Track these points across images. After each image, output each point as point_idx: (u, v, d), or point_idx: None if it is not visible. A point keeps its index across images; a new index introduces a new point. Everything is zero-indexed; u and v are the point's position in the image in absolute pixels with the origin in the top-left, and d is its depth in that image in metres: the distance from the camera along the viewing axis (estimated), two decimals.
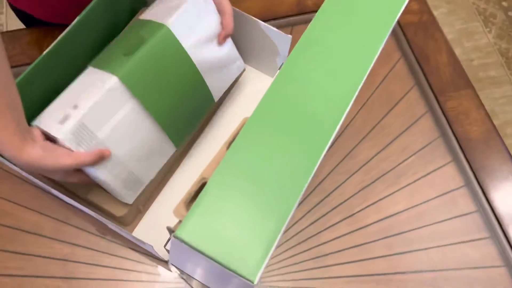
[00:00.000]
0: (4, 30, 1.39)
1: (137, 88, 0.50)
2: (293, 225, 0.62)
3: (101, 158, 0.47)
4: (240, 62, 0.63)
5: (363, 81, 0.42)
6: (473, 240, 0.63)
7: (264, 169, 0.37)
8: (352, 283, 0.59)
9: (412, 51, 0.75)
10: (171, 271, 0.58)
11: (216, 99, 0.61)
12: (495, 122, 1.32)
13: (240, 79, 0.69)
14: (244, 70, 0.65)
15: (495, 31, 1.45)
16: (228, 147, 0.38)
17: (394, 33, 0.76)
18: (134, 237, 0.48)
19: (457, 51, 1.39)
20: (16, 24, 0.76)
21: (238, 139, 0.38)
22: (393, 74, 0.73)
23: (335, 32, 0.44)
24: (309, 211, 0.63)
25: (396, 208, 0.64)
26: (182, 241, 0.34)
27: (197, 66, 0.55)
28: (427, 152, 0.68)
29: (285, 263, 0.60)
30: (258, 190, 0.36)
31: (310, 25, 0.44)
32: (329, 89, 0.41)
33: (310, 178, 0.37)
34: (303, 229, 0.62)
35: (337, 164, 0.66)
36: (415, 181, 0.66)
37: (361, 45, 0.44)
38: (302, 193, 0.36)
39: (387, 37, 0.45)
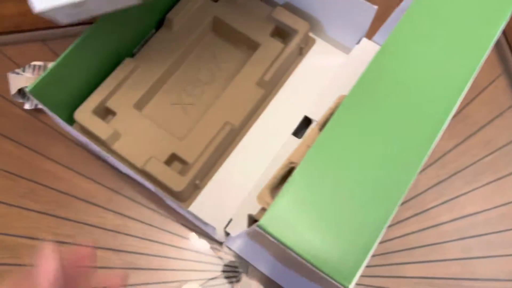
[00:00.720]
0: None
1: None
2: None
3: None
4: None
5: (481, 62, 0.36)
6: None
7: (362, 159, 0.32)
8: (419, 284, 0.54)
9: (504, 35, 0.67)
10: (222, 253, 0.55)
11: None
12: None
13: (307, 52, 0.63)
14: None
15: None
16: (320, 129, 0.32)
17: None
18: (195, 217, 0.44)
19: None
20: None
21: (333, 121, 0.32)
22: None
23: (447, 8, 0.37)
24: None
25: (474, 208, 0.58)
26: (268, 232, 0.29)
27: None
28: None
29: None
30: (356, 183, 0.31)
31: None
32: (441, 70, 0.35)
33: (416, 173, 0.32)
34: None
35: None
36: (497, 180, 0.59)
37: (479, 20, 0.37)
38: (407, 190, 0.31)
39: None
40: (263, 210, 0.36)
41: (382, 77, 0.34)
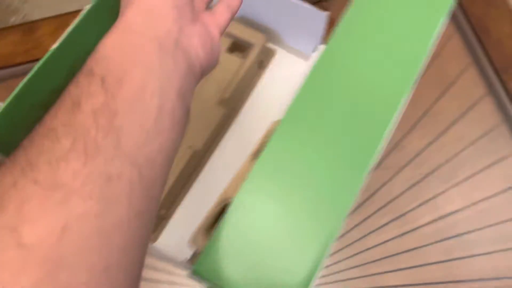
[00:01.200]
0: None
1: None
2: None
3: None
4: None
5: (422, 63, 0.34)
6: None
7: (302, 185, 0.30)
8: None
9: (469, 22, 0.65)
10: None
11: None
12: None
13: (268, 65, 0.61)
14: None
15: None
16: (255, 158, 0.31)
17: None
18: (161, 253, 0.43)
19: None
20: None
21: (268, 149, 0.31)
22: (446, 51, 0.64)
23: (385, 7, 0.36)
24: (353, 212, 0.56)
25: (453, 206, 0.56)
26: (202, 278, 0.28)
27: None
28: (488, 141, 0.59)
29: (326, 271, 0.53)
30: (295, 214, 0.30)
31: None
32: (384, 69, 0.34)
33: (357, 193, 0.30)
34: (346, 233, 0.55)
35: (383, 158, 0.59)
36: (474, 175, 0.57)
37: (417, 20, 0.36)
38: (346, 214, 0.30)
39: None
40: (199, 253, 0.35)
41: (317, 95, 0.33)
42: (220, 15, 0.28)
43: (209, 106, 0.56)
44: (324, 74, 0.34)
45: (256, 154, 0.34)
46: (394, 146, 0.59)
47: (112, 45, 0.21)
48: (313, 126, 0.32)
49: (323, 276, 0.53)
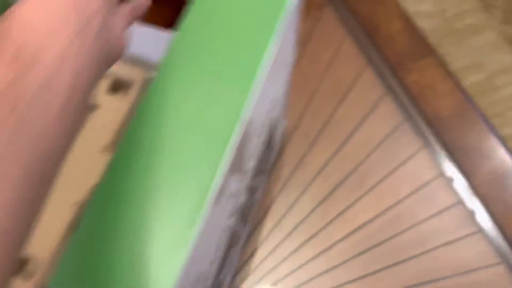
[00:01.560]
0: None
1: None
2: (246, 260, 0.52)
3: None
4: None
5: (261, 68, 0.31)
6: (463, 238, 0.53)
7: (158, 177, 0.27)
8: None
9: (359, 24, 0.64)
10: None
11: None
12: (482, 75, 1.20)
13: None
14: None
15: None
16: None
17: (333, 4, 0.65)
18: None
19: (428, 5, 1.26)
20: None
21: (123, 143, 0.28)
22: (340, 56, 0.62)
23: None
24: (265, 240, 0.53)
25: (365, 216, 0.54)
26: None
27: None
28: (392, 142, 0.57)
29: None
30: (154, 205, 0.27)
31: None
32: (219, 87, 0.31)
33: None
34: (259, 264, 0.52)
35: (288, 179, 0.56)
36: (383, 179, 0.56)
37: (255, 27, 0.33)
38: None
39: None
40: None
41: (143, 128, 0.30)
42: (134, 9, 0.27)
43: (92, 154, 0.53)
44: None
45: (107, 147, 0.31)
46: (297, 164, 0.57)
47: (35, 9, 0.18)
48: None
49: None
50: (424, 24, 1.24)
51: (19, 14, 0.18)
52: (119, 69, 0.55)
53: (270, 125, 0.45)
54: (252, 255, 0.53)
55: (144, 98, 0.31)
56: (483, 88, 1.17)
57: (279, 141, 0.57)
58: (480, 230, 0.53)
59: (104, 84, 0.56)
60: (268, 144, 0.48)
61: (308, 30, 0.63)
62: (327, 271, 0.52)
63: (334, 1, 0.65)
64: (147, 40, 0.55)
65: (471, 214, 0.53)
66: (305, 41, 0.63)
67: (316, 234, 0.53)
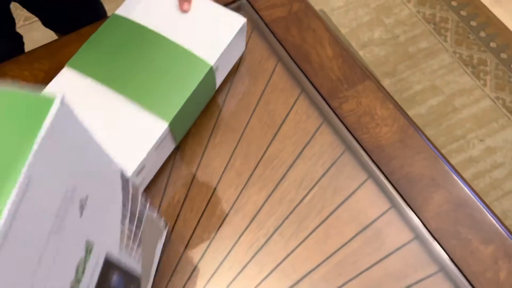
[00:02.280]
0: None
1: (175, 127, 0.48)
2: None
3: None
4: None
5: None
6: (423, 279, 0.46)
7: None
8: None
9: (288, 53, 0.59)
10: None
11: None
12: (440, 98, 1.17)
13: None
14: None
15: None
16: None
17: (262, 35, 0.61)
18: None
19: (379, 31, 1.25)
20: None
21: None
22: (272, 87, 0.57)
23: None
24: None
25: (306, 266, 0.47)
26: None
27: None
28: (333, 176, 0.52)
29: None
30: None
31: None
32: None
33: None
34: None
35: (219, 227, 0.49)
36: (324, 221, 0.49)
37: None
38: None
39: None
40: None
41: None
42: None
43: None
44: None
45: None
46: (230, 209, 0.50)
47: None
48: None
49: None
50: (378, 51, 1.22)
51: None
52: None
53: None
54: None
55: None
56: (443, 111, 1.14)
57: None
58: (441, 269, 0.46)
59: None
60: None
61: (236, 63, 0.59)
62: None
63: (263, 32, 0.61)
64: None
65: (427, 253, 0.47)
66: (232, 73, 0.58)
67: None
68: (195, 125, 0.54)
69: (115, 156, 0.43)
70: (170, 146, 0.51)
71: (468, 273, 0.46)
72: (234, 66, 0.59)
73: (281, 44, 0.60)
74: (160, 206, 0.51)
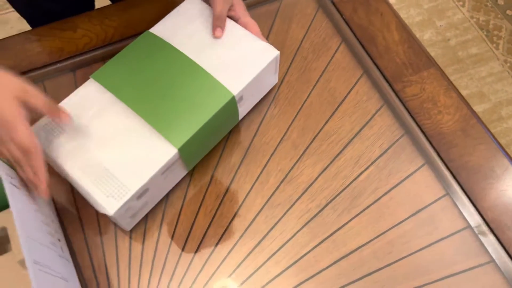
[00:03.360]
0: None
1: (185, 154, 0.47)
2: (224, 279, 0.45)
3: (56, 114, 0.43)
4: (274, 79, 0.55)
5: None
6: (474, 268, 0.46)
7: None
8: None
9: (354, 33, 0.59)
10: None
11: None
12: (487, 105, 1.15)
13: None
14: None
15: (469, 3, 1.29)
16: None
17: (328, 14, 0.61)
18: None
19: (430, 33, 1.23)
20: None
21: None
22: (334, 65, 0.58)
23: None
24: (240, 264, 0.46)
25: (356, 241, 0.47)
26: None
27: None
28: (390, 158, 0.52)
29: None
30: None
31: None
32: None
33: None
34: (241, 284, 0.45)
35: (272, 193, 0.50)
36: (377, 200, 0.49)
37: None
38: None
39: None
40: None
41: None
42: None
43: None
44: None
45: None
46: (284, 178, 0.51)
47: None
48: None
49: None
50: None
51: None
52: None
53: None
54: (230, 276, 0.46)
55: None
56: (488, 119, 1.12)
57: None
58: (493, 259, 0.46)
59: None
60: None
61: (300, 38, 0.59)
62: None
63: (329, 11, 0.61)
64: None
65: (479, 242, 0.47)
66: (295, 49, 0.58)
67: (301, 257, 0.46)
68: None
69: (116, 174, 0.43)
70: (180, 172, 0.49)
71: None
72: (295, 43, 0.59)
73: (347, 25, 0.60)
74: (215, 168, 0.52)
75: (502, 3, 1.30)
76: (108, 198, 0.42)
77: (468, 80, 1.17)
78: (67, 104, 0.48)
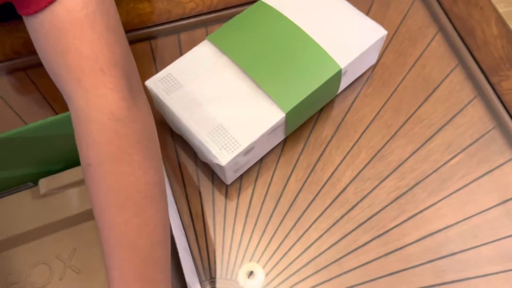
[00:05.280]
0: None
1: (290, 118, 0.49)
2: (308, 247, 0.48)
3: None
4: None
5: None
6: None
7: None
8: None
9: (452, 24, 0.60)
10: None
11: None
12: None
13: None
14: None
15: None
16: None
17: (426, 3, 0.62)
18: None
19: None
20: None
21: None
22: (429, 53, 0.59)
23: None
24: (329, 229, 0.49)
25: (443, 221, 0.49)
26: None
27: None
28: (480, 147, 0.53)
29: None
30: None
31: None
32: None
33: None
34: (322, 253, 0.48)
35: (363, 168, 0.52)
36: (466, 186, 0.51)
37: None
38: None
39: None
40: None
41: None
42: None
43: None
44: None
45: None
46: (375, 154, 0.53)
47: None
48: None
49: None
50: None
51: None
52: None
53: None
54: (312, 244, 0.48)
55: None
56: None
57: None
58: None
59: None
60: None
61: (397, 23, 0.61)
62: (395, 272, 0.47)
63: (428, 0, 0.62)
64: None
65: None
66: (391, 34, 0.60)
67: (387, 231, 0.49)
68: None
69: (230, 130, 0.46)
70: (280, 136, 0.51)
71: None
72: (393, 27, 0.60)
73: (446, 15, 0.61)
74: (308, 138, 0.54)
75: None
76: (221, 150, 0.45)
77: None
78: (183, 61, 0.51)
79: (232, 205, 0.51)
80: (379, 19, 0.61)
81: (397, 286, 0.46)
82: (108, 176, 0.32)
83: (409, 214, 0.49)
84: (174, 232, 0.41)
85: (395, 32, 0.60)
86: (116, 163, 0.32)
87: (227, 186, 0.52)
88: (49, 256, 0.46)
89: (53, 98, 0.57)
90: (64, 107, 0.41)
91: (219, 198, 0.51)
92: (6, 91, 0.58)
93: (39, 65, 0.39)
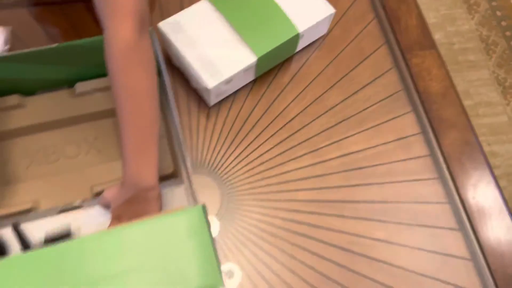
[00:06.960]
0: None
1: (260, 62, 0.69)
2: (262, 154, 0.69)
3: None
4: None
5: None
6: (423, 179, 0.70)
7: None
8: (310, 205, 0.67)
9: (385, 13, 0.82)
10: None
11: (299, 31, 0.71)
12: (469, 102, 1.39)
13: None
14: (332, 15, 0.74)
15: (477, 18, 1.52)
16: None
17: None
18: None
19: (439, 35, 1.46)
20: None
21: None
22: (366, 32, 0.80)
23: None
24: (278, 144, 0.70)
25: (356, 147, 0.71)
26: None
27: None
28: (390, 102, 0.75)
29: (255, 185, 0.67)
30: None
31: None
32: None
33: None
34: (272, 158, 0.69)
35: (306, 107, 0.73)
36: (375, 126, 0.73)
37: None
38: None
39: None
40: None
41: None
42: None
43: None
44: None
45: None
46: (316, 99, 0.74)
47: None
48: None
49: (254, 188, 0.66)
50: None
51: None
52: None
53: None
54: (267, 152, 0.69)
55: None
56: (468, 113, 1.37)
57: None
58: (439, 177, 0.70)
59: None
60: None
61: (346, 7, 0.81)
62: (318, 176, 0.68)
63: None
64: None
65: (434, 165, 0.71)
66: (341, 14, 0.81)
67: (317, 149, 0.70)
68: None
69: (217, 64, 0.65)
70: (251, 76, 0.71)
71: (458, 183, 0.70)
72: (342, 10, 0.81)
73: (382, 6, 0.82)
74: (271, 82, 0.74)
75: (504, 25, 1.53)
76: (210, 77, 0.65)
77: (460, 80, 1.41)
78: (185, 14, 0.69)
79: (211, 121, 0.71)
80: (334, 2, 0.81)
81: (318, 185, 0.68)
82: (122, 78, 0.51)
83: (334, 140, 0.71)
84: (174, 116, 0.60)
85: (344, 14, 0.81)
86: (127, 71, 0.51)
87: (209, 108, 0.71)
88: (78, 138, 0.64)
89: (81, 30, 0.74)
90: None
91: (203, 116, 0.71)
92: (41, 22, 0.74)
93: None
